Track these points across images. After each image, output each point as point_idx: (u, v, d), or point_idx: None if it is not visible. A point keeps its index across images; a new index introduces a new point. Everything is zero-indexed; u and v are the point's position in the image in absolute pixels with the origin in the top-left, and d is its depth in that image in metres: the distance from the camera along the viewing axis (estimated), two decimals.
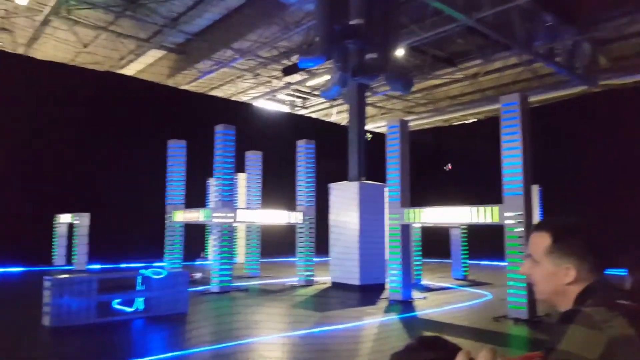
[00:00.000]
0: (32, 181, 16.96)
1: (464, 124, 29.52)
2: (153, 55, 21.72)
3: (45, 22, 18.20)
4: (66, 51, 21.06)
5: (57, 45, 20.33)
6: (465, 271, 16.80)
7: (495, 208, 9.79)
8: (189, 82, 24.61)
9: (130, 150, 19.27)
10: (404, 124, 12.72)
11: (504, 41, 16.98)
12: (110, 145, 19.17)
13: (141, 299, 9.56)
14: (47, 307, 8.31)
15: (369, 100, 25.89)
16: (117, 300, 9.63)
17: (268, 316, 9.20)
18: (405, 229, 11.99)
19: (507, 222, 9.45)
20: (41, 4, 17.22)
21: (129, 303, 9.57)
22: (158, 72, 22.61)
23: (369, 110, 28.07)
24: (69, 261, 17.88)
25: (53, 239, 18.53)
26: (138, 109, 19.79)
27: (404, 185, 12.12)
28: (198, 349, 7.07)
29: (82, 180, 18.24)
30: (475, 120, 29.01)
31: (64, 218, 18.07)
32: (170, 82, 23.77)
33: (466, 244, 16.93)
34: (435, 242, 19.28)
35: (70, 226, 18.04)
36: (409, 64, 21.36)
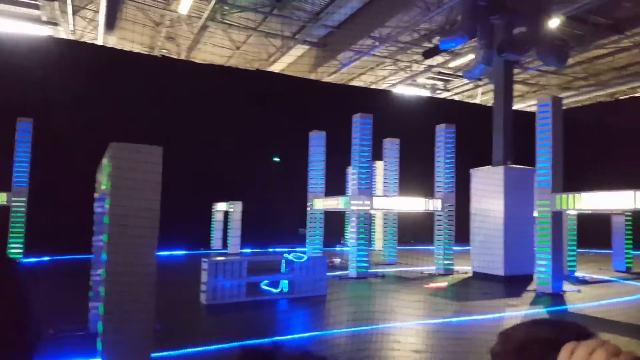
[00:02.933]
0: (193, 173, 19.01)
1: (633, 97, 25.69)
2: (297, 52, 22.84)
3: (203, 28, 20.23)
4: (221, 54, 23.20)
5: (214, 49, 22.47)
6: (628, 263, 15.08)
7: None
8: (330, 74, 25.37)
9: (276, 143, 20.51)
10: (556, 101, 11.61)
11: None
12: (259, 139, 20.62)
13: (285, 281, 10.16)
14: (204, 286, 9.24)
15: (518, 77, 24.01)
16: (265, 282, 10.37)
17: (405, 302, 9.12)
18: (557, 216, 10.94)
19: None
20: (199, 12, 19.16)
21: (275, 284, 10.25)
22: (301, 68, 23.70)
23: (519, 88, 26.04)
24: (224, 245, 19.57)
25: (211, 225, 20.47)
26: (283, 103, 20.97)
27: (556, 168, 11.04)
28: (337, 330, 7.31)
29: (236, 171, 19.92)
30: None
31: (220, 206, 19.87)
32: (313, 76, 24.72)
33: (630, 232, 15.13)
34: (595, 230, 17.31)
35: (226, 213, 19.73)
36: (566, 34, 19.26)
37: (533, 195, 12.48)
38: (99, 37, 19.88)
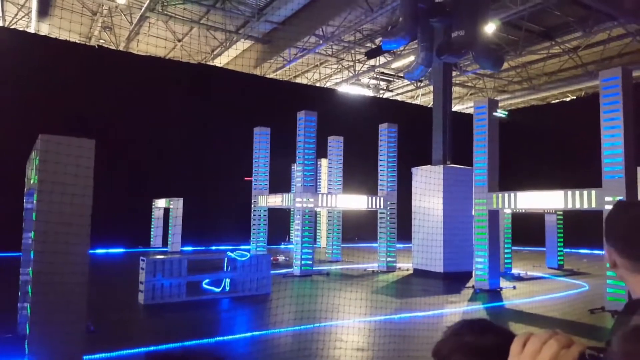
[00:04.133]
0: (132, 169, 18.27)
1: (563, 102, 27.37)
2: (241, 46, 22.44)
3: (143, 19, 19.47)
4: (162, 46, 22.39)
5: (154, 41, 21.66)
6: (560, 260, 15.82)
7: (594, 192, 9.00)
8: (274, 70, 25.17)
9: (219, 138, 20.09)
10: (492, 103, 12.04)
11: (608, 10, 15.37)
12: (201, 134, 20.13)
13: (227, 280, 9.95)
14: (142, 285, 8.90)
15: (457, 80, 24.89)
16: (206, 281, 10.12)
17: (348, 300, 9.17)
18: (494, 214, 11.37)
19: (607, 207, 8.59)
20: (139, 2, 18.39)
21: (217, 283, 10.02)
22: (245, 63, 23.33)
23: (458, 91, 26.99)
24: (165, 243, 19.04)
25: (151, 222, 19.76)
26: (227, 98, 20.58)
27: (492, 168, 11.47)
28: (280, 329, 7.22)
29: (177, 167, 19.36)
30: (575, 97, 26.85)
31: (160, 203, 19.22)
32: (257, 72, 24.43)
33: (562, 231, 15.89)
34: (529, 229, 18.26)
35: (166, 210, 19.14)
36: (501, 40, 20.18)
37: (471, 194, 12.95)
38: (32, 25, 18.69)
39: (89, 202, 4.22)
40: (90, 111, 17.22)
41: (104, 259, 15.59)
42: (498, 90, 27.41)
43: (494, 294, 10.75)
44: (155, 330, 7.44)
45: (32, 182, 5.00)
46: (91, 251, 4.72)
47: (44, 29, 18.94)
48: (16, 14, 19.48)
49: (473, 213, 11.95)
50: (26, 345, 4.56)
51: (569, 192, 9.48)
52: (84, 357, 4.80)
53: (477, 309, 9.20)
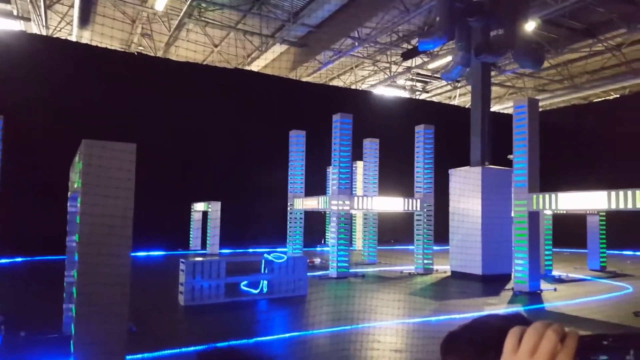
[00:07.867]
0: (171, 173, 18.75)
1: (606, 100, 26.36)
2: (276, 50, 22.70)
3: (180, 26, 19.96)
4: (199, 52, 22.92)
5: (192, 47, 22.19)
6: (602, 262, 15.36)
7: (638, 192, 8.64)
8: (309, 74, 25.33)
9: (255, 142, 20.36)
10: (532, 103, 11.75)
11: None
12: (237, 138, 20.45)
13: (265, 282, 10.08)
14: (182, 287, 9.11)
15: (495, 79, 24.38)
16: (244, 282, 10.26)
17: (385, 302, 9.12)
18: (534, 216, 11.10)
19: None
20: (176, 9, 18.89)
21: (255, 285, 10.15)
22: (281, 66, 23.58)
23: (496, 90, 26.44)
24: (203, 246, 19.34)
25: (190, 226, 20.14)
26: (263, 102, 20.84)
27: (532, 169, 11.19)
28: (318, 331, 7.27)
29: (214, 171, 19.71)
30: (618, 96, 25.82)
31: (199, 206, 19.57)
32: (292, 75, 24.64)
33: (604, 232, 15.42)
34: (570, 230, 17.70)
35: (205, 214, 19.49)
36: (541, 38, 19.65)
37: (511, 196, 12.66)
38: (73, 33, 19.45)
39: (130, 205, 4.33)
40: (130, 116, 17.76)
41: (145, 261, 16.05)
42: (538, 90, 26.68)
43: (534, 296, 10.52)
44: (195, 330, 7.60)
45: (75, 185, 5.19)
46: (132, 254, 4.85)
47: (86, 37, 19.66)
48: (59, 23, 20.29)
49: (512, 214, 11.69)
50: (72, 345, 4.70)
51: (613, 193, 9.14)
52: (127, 357, 4.88)
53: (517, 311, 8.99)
